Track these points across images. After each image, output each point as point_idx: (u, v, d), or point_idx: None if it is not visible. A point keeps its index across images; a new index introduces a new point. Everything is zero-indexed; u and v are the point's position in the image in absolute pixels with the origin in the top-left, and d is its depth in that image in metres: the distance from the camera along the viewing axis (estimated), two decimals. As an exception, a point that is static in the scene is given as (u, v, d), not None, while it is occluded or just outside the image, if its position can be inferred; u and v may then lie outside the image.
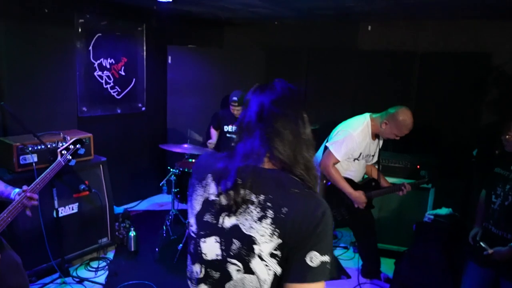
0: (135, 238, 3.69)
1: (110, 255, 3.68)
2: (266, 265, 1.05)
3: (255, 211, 1.05)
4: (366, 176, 3.36)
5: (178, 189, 4.01)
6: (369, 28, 4.64)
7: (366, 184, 3.23)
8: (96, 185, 3.49)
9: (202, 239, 1.14)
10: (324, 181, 3.06)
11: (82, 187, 3.28)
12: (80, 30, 4.02)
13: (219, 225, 1.11)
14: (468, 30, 4.14)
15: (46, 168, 2.44)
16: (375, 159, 3.24)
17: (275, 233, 1.03)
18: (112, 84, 4.45)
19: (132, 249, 3.69)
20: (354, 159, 3.08)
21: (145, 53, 4.75)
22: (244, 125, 1.16)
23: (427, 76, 4.39)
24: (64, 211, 3.26)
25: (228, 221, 1.09)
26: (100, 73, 4.30)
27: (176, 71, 5.09)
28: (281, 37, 5.30)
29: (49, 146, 3.08)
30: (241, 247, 1.07)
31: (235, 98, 4.10)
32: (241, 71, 5.25)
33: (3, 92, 3.37)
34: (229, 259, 1.09)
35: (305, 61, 5.14)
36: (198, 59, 5.18)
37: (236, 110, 4.14)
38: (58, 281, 3.18)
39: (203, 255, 1.14)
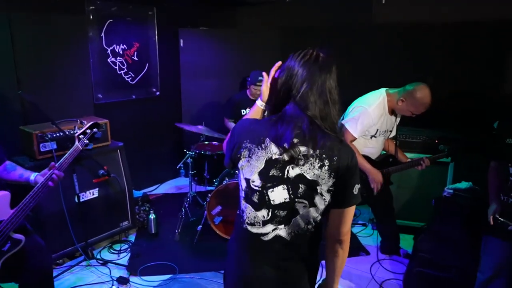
0: (155, 220, 3.77)
1: (132, 237, 3.77)
2: (324, 199, 1.43)
3: (315, 162, 1.39)
4: (383, 152, 3.31)
5: (195, 171, 4.05)
6: (383, 1, 4.50)
7: (383, 161, 3.19)
8: (115, 170, 3.55)
9: (270, 190, 1.43)
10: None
11: (101, 172, 3.34)
12: (91, 17, 4.03)
13: (285, 176, 1.41)
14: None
15: (65, 154, 2.49)
16: (393, 133, 3.19)
17: (331, 175, 1.40)
18: (125, 70, 4.47)
19: (153, 232, 3.76)
20: (371, 136, 3.04)
21: (157, 37, 4.74)
22: (290, 90, 1.43)
23: (446, 48, 4.24)
24: (85, 196, 3.33)
25: (292, 172, 1.41)
26: (113, 59, 4.32)
27: (188, 54, 5.07)
28: (294, 16, 5.18)
29: (67, 133, 3.13)
30: (307, 189, 1.41)
31: (261, 78, 4.10)
32: (256, 52, 5.18)
33: (20, 81, 3.43)
34: (297, 200, 1.42)
35: (319, 39, 5.04)
36: (210, 41, 5.14)
37: (259, 90, 4.13)
38: (84, 263, 3.29)
39: (271, 201, 1.44)
